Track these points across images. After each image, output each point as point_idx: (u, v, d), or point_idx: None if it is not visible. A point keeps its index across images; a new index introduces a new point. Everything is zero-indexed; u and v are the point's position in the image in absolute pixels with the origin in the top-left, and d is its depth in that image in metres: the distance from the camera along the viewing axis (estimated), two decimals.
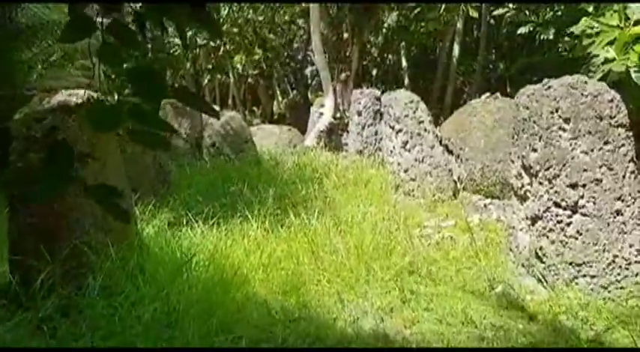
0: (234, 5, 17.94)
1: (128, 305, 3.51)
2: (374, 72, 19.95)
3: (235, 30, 17.61)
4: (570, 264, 3.92)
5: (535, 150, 4.18)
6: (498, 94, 7.27)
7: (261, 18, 18.48)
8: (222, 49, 19.02)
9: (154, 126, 1.37)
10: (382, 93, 9.69)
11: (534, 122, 4.18)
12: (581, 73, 4.65)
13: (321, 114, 11.97)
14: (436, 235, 5.36)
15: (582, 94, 3.94)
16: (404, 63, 20.35)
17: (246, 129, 9.44)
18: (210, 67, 19.47)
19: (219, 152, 9.16)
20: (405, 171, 6.65)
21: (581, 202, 3.89)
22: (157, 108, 1.35)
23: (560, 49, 12.92)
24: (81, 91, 5.28)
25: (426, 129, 6.65)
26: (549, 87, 4.14)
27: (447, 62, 18.57)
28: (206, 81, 21.14)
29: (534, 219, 4.22)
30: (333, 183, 6.95)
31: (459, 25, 17.48)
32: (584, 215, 3.89)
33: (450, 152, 6.86)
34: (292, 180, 7.05)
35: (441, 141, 6.76)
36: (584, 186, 3.88)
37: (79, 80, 12.97)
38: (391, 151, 6.88)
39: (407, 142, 6.65)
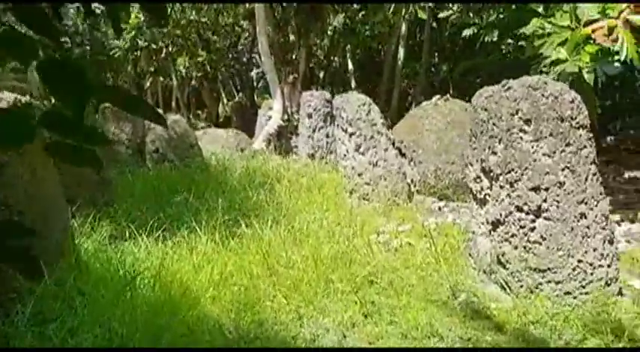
0: (176, 6, 17.39)
1: (64, 333, 3.13)
2: (321, 74, 19.79)
3: (178, 32, 17.07)
4: (534, 269, 3.79)
5: (495, 153, 4.04)
6: (449, 96, 7.18)
7: (204, 19, 17.98)
8: (164, 51, 18.43)
9: (79, 137, 1.07)
10: (332, 95, 9.49)
11: (494, 124, 4.04)
12: (529, 75, 4.55)
13: (270, 117, 11.67)
14: (394, 241, 5.17)
15: (543, 95, 3.82)
16: (350, 66, 20.32)
17: (192, 133, 9.03)
18: (152, 69, 18.81)
19: (164, 158, 8.71)
20: (359, 174, 6.45)
21: (544, 206, 3.77)
22: (80, 113, 1.04)
23: (503, 51, 13.13)
24: (7, 95, 4.84)
25: (379, 132, 6.46)
26: (509, 88, 4.00)
27: (393, 65, 18.67)
28: (148, 84, 20.43)
29: (495, 224, 4.08)
30: (286, 189, 6.67)
31: (404, 28, 17.61)
32: (547, 219, 3.76)
33: (403, 155, 6.71)
34: (242, 187, 6.72)
35: (394, 144, 6.60)
36: (546, 189, 3.76)
37: (7, 84, 12.20)
38: (344, 155, 6.67)
39: (360, 145, 6.45)
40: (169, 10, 17.37)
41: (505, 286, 3.96)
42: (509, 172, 3.93)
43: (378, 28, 15.71)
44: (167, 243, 4.67)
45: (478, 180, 4.29)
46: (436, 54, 20.98)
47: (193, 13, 18.01)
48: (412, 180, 6.62)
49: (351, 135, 6.54)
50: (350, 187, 6.55)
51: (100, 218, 5.36)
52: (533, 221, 3.80)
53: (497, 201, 4.08)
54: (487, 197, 4.22)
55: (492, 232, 4.13)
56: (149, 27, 16.35)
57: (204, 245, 4.56)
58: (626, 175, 8.25)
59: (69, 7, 19.22)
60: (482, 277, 4.21)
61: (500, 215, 4.02)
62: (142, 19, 16.61)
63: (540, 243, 3.77)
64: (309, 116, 9.13)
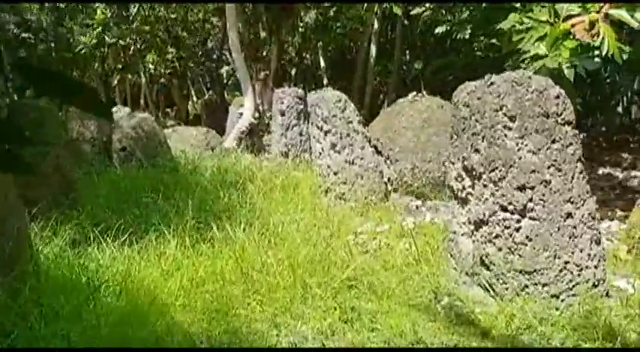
0: (145, 4, 16.95)
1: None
2: (293, 71, 19.54)
3: (147, 28, 16.58)
4: (520, 271, 3.64)
5: (478, 151, 3.88)
6: (425, 93, 7.03)
7: (173, 16, 17.56)
8: (132, 47, 17.92)
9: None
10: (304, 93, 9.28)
11: (476, 121, 3.88)
12: (504, 71, 4.41)
13: (241, 114, 11.38)
14: (372, 242, 4.99)
15: (527, 90, 3.68)
16: (322, 63, 20.11)
17: (160, 131, 8.71)
18: (120, 66, 18.29)
19: (131, 157, 8.37)
20: (335, 173, 6.25)
21: (530, 205, 3.62)
22: None
23: (475, 49, 13.09)
24: None
25: (355, 130, 6.28)
26: (492, 83, 3.85)
27: (365, 62, 18.53)
28: (115, 81, 19.88)
29: (478, 224, 3.92)
30: (259, 189, 6.42)
31: (376, 25, 17.46)
32: (533, 219, 3.62)
33: (380, 153, 6.54)
34: (213, 187, 6.46)
35: (370, 142, 6.42)
36: (532, 188, 3.61)
37: None
38: (320, 153, 6.46)
39: (336, 144, 6.25)
40: (137, 6, 16.94)
41: (489, 288, 3.81)
42: (492, 170, 3.78)
43: (350, 24, 15.52)
44: (134, 247, 4.40)
45: (459, 179, 4.13)
46: (407, 52, 20.94)
47: (162, 9, 17.57)
48: (389, 179, 6.46)
49: (326, 133, 6.33)
50: (326, 186, 6.35)
51: (63, 221, 5.05)
52: (519, 221, 3.66)
53: (480, 200, 3.92)
54: (469, 196, 4.07)
55: (475, 233, 3.97)
56: (116, 23, 15.87)
57: (173, 249, 4.31)
58: (600, 172, 8.24)
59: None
60: (464, 279, 4.05)
61: (484, 215, 3.87)
62: (109, 15, 16.14)
63: (526, 244, 3.63)
64: (282, 113, 8.89)
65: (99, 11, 15.75)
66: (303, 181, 6.90)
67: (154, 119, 19.13)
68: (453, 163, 4.18)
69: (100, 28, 15.34)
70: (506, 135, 3.71)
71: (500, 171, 3.72)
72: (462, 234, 4.17)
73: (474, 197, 3.99)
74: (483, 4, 12.28)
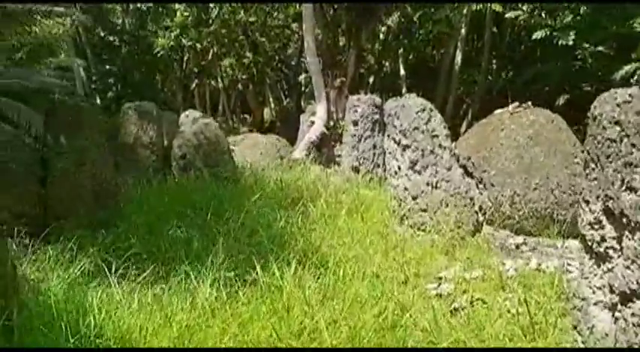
0: (225, 6, 16.35)
1: None
2: (371, 79, 18.39)
3: (224, 31, 15.95)
4: None
5: (633, 190, 2.59)
6: (530, 104, 5.68)
7: (252, 19, 16.87)
8: (211, 51, 17.40)
9: None
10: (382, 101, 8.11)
11: (633, 145, 2.59)
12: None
13: (312, 122, 10.34)
14: (461, 296, 3.75)
15: None
16: (402, 71, 18.87)
17: (223, 138, 7.80)
18: (196, 70, 17.83)
19: (190, 165, 7.51)
20: (414, 198, 5.05)
21: None
22: None
23: (578, 57, 11.41)
24: None
25: (441, 146, 5.05)
26: None
27: (449, 70, 17.19)
28: (193, 85, 19.51)
29: (627, 296, 2.62)
30: (322, 211, 5.31)
31: (463, 31, 16.09)
32: None
33: (471, 175, 5.27)
34: (271, 206, 5.42)
35: (459, 161, 5.17)
36: None
37: (48, 81, 11.33)
38: (395, 172, 5.28)
39: (417, 161, 5.05)
40: (218, 9, 16.38)
41: None
42: None
43: (436, 28, 14.19)
44: (156, 288, 3.41)
45: (597, 227, 2.84)
46: (494, 61, 19.32)
47: (242, 12, 16.93)
48: (481, 208, 5.17)
49: (405, 148, 5.14)
50: (401, 213, 5.15)
51: (86, 244, 4.17)
52: None
53: (629, 260, 2.62)
54: (611, 252, 2.78)
55: (620, 308, 2.67)
56: (194, 26, 15.34)
57: (204, 294, 3.27)
58: None
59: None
60: None
61: (637, 283, 2.57)
62: (189, 17, 15.66)
63: None
64: (355, 123, 7.76)
65: (178, 13, 15.29)
66: (375, 204, 5.73)
67: (227, 125, 18.61)
68: (589, 203, 2.89)
69: (178, 31, 14.84)
70: None
71: None
72: (597, 304, 2.88)
73: (621, 255, 2.69)
74: (587, 6, 10.70)
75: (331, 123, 11.07)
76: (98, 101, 18.04)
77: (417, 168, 5.06)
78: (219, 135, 7.71)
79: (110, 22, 19.10)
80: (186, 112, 9.62)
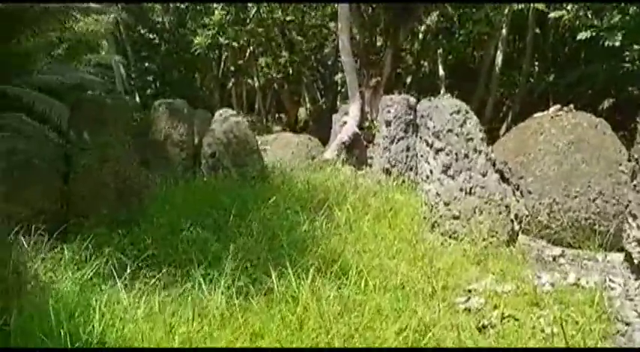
0: (263, 5, 16.27)
1: None
2: (408, 80, 18.03)
3: (261, 30, 15.85)
4: None
5: None
6: (572, 107, 5.32)
7: (289, 18, 16.74)
8: (248, 50, 17.36)
9: None
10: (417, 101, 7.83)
11: None
12: None
13: (345, 122, 10.11)
14: (491, 312, 3.48)
15: None
16: (441, 71, 18.46)
17: (252, 138, 7.65)
18: (233, 69, 17.80)
19: (219, 164, 7.39)
20: (446, 204, 4.78)
21: None
22: None
23: (626, 59, 10.84)
24: None
25: (476, 150, 4.77)
26: None
27: (489, 72, 16.72)
28: (230, 84, 19.52)
29: None
30: (348, 215, 5.09)
31: (504, 31, 15.62)
32: None
33: (507, 181, 4.96)
34: (296, 208, 5.23)
35: (495, 166, 4.87)
36: None
37: (86, 77, 11.44)
38: (427, 176, 5.02)
39: (450, 166, 4.78)
40: (255, 8, 16.30)
41: None
42: None
43: (477, 28, 13.78)
44: (169, 292, 3.26)
45: None
46: (536, 62, 18.71)
47: (279, 11, 16.83)
48: (517, 216, 4.86)
49: (437, 151, 4.88)
50: (432, 220, 4.89)
51: (103, 243, 4.06)
52: None
53: None
54: None
55: None
56: (231, 24, 15.30)
57: (216, 302, 3.10)
58: None
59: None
60: None
61: None
62: (226, 16, 15.62)
63: None
64: (388, 124, 7.50)
65: (216, 12, 15.27)
66: (405, 209, 5.48)
67: (261, 124, 18.53)
68: (636, 217, 2.60)
69: (215, 29, 14.82)
70: None
71: None
72: None
73: None
74: (637, 6, 10.14)
75: (365, 124, 10.83)
76: (137, 98, 18.26)
77: (450, 172, 4.79)
78: (249, 135, 7.56)
79: (150, 20, 19.30)
80: (221, 111, 9.54)
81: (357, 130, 9.72)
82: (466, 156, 4.77)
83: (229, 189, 6.06)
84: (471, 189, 4.74)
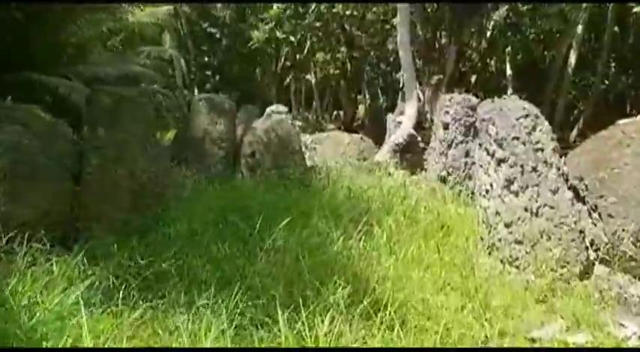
0: None
1: None
2: (473, 78, 16.94)
3: (319, 24, 15.20)
4: None
5: None
6: None
7: (349, 13, 16.01)
8: (307, 45, 16.78)
9: None
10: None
11: None
12: None
13: (400, 123, 9.32)
14: None
15: None
16: (508, 71, 17.27)
17: (296, 137, 7.03)
18: (289, 64, 17.28)
19: (259, 164, 6.84)
20: (508, 225, 3.99)
21: None
22: None
23: None
24: None
25: (546, 162, 3.95)
26: None
27: (561, 72, 15.46)
28: (288, 80, 19.04)
29: None
30: (390, 232, 4.36)
31: (580, 28, 14.35)
32: None
33: (583, 201, 4.10)
34: (330, 222, 4.55)
35: (568, 182, 4.03)
36: None
37: (136, 70, 11.19)
38: (487, 191, 4.23)
39: (514, 180, 3.98)
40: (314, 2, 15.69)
41: None
42: None
43: (549, 24, 12.64)
44: (160, 325, 2.68)
45: None
46: (613, 63, 17.20)
47: (340, 5, 16.13)
48: (593, 243, 3.99)
49: (500, 161, 4.09)
50: (490, 242, 4.11)
51: (105, 256, 3.55)
52: None
53: None
54: None
55: None
56: (289, 19, 14.76)
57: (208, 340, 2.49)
58: None
59: None
60: None
61: None
62: (285, 10, 15.10)
63: None
64: (445, 126, 6.69)
65: (275, 6, 14.78)
66: (459, 225, 4.71)
67: (317, 121, 17.91)
68: None
69: (272, 23, 14.33)
70: None
71: None
72: None
73: None
74: None
75: (426, 124, 10.02)
76: (196, 93, 18.08)
77: (514, 188, 3.99)
78: (292, 134, 6.96)
79: (212, 15, 19.07)
80: (272, 107, 9.00)
81: (412, 131, 8.92)
82: (534, 169, 3.95)
83: (264, 193, 5.47)
84: (538, 208, 3.92)
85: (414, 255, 3.91)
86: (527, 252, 3.90)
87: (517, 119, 4.03)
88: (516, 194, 3.98)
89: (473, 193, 6.01)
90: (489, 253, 4.10)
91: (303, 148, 9.97)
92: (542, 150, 3.97)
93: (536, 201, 3.92)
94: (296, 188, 5.97)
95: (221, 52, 19.63)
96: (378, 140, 10.70)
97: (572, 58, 14.96)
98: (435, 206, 5.37)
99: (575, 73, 15.47)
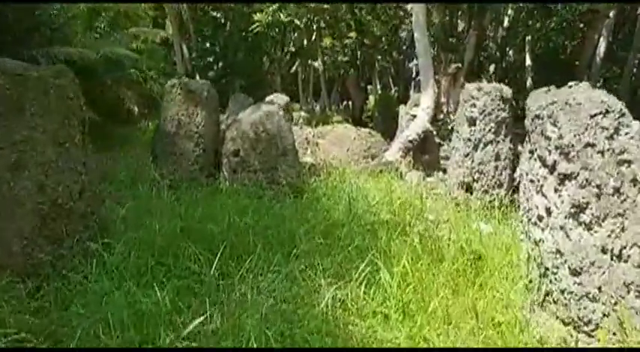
0: None
1: None
2: (491, 68, 15.52)
3: (326, 7, 13.79)
4: None
5: None
6: None
7: None
8: (314, 30, 15.38)
9: None
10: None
11: None
12: None
13: (414, 116, 7.96)
14: None
15: None
16: (528, 61, 15.86)
17: (288, 133, 5.69)
18: (293, 50, 15.91)
19: (244, 165, 5.54)
20: (575, 272, 2.67)
21: None
22: None
23: None
24: None
25: (636, 181, 2.61)
26: None
27: (588, 63, 14.07)
28: (294, 67, 17.67)
29: None
30: (403, 272, 3.05)
31: (611, 14, 12.93)
32: None
33: None
34: (328, 246, 3.26)
35: None
36: None
37: (119, 52, 9.95)
38: (540, 218, 2.91)
39: (586, 205, 2.66)
40: None
41: None
42: None
43: (572, 12, 11.34)
44: None
45: None
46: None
47: None
48: None
49: (564, 178, 2.76)
50: (543, 291, 2.79)
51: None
52: None
53: None
54: None
55: None
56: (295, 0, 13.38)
57: None
58: None
59: None
60: None
61: None
62: None
63: None
64: (472, 122, 5.34)
65: None
66: (493, 255, 3.39)
67: (323, 113, 16.50)
68: None
69: (276, 5, 12.97)
70: None
71: None
72: None
73: None
74: None
75: (442, 117, 8.68)
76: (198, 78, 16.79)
77: (586, 217, 2.66)
78: (284, 129, 5.63)
79: None
80: (272, 96, 7.70)
81: (428, 126, 7.58)
82: (616, 190, 2.63)
83: (240, 208, 4.17)
84: (622, 249, 2.59)
85: (440, 315, 2.60)
86: (604, 314, 2.59)
87: (592, 117, 2.69)
88: (589, 227, 2.66)
89: (506, 207, 4.70)
90: (542, 306, 2.79)
91: (305, 143, 8.64)
92: (629, 162, 2.63)
93: (620, 238, 2.60)
94: (285, 198, 4.67)
95: (224, 37, 18.30)
96: (389, 134, 9.39)
97: (601, 48, 13.57)
98: (461, 226, 4.04)
99: (603, 66, 14.13)
